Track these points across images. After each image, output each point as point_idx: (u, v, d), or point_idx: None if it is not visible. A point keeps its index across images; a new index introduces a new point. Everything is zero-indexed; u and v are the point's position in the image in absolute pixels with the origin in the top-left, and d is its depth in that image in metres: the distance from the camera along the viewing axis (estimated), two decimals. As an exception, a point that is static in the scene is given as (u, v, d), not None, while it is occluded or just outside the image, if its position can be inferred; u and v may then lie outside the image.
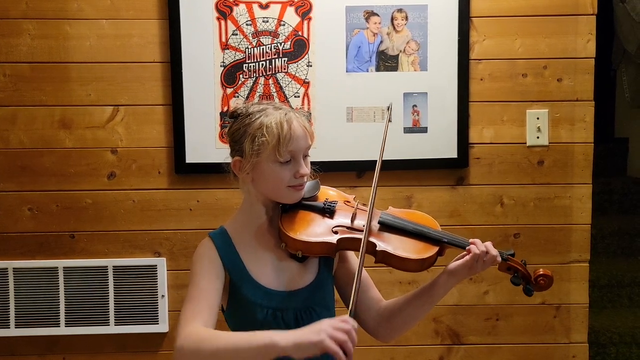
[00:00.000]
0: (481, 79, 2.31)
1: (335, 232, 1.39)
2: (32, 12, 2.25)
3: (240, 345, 1.18)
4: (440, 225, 1.48)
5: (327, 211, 1.43)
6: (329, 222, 1.41)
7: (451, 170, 2.34)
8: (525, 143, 2.34)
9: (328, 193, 1.50)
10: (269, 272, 1.39)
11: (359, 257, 1.31)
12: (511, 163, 2.34)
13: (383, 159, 1.48)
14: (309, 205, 1.44)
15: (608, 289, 3.08)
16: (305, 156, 1.41)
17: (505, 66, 2.31)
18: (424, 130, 2.31)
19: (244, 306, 1.34)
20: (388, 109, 1.60)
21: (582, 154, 2.34)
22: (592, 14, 2.30)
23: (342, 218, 1.42)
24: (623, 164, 4.01)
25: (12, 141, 2.29)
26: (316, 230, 1.39)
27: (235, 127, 1.40)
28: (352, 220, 1.42)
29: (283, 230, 1.38)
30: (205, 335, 1.22)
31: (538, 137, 2.33)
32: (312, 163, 1.47)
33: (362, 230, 1.36)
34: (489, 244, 1.40)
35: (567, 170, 2.34)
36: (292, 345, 1.13)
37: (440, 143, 2.31)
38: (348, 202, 1.49)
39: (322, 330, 1.13)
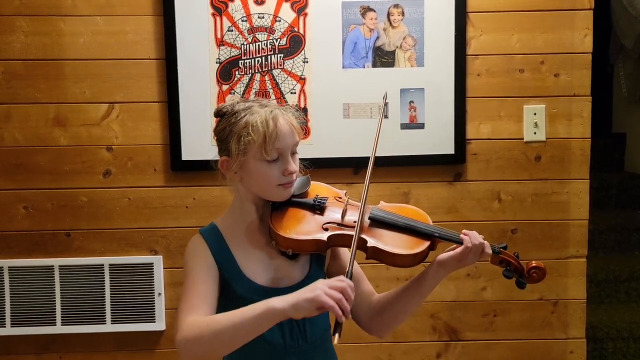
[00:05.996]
0: (478, 75, 2.30)
1: (326, 229, 1.37)
2: (26, 9, 2.24)
3: (239, 319, 1.20)
4: (438, 222, 1.47)
5: (317, 208, 1.41)
6: (319, 219, 1.39)
7: (448, 166, 2.33)
8: (523, 139, 2.33)
9: (319, 189, 1.48)
10: (260, 269, 1.38)
11: (351, 247, 1.30)
12: (508, 159, 2.34)
13: (379, 155, 1.46)
14: (299, 202, 1.41)
15: (605, 284, 3.08)
16: (294, 153, 1.39)
17: (502, 62, 2.30)
18: (421, 126, 2.30)
19: (235, 303, 1.34)
20: (384, 99, 1.57)
21: (579, 149, 2.33)
22: (589, 9, 2.29)
23: (332, 214, 1.40)
24: (620, 159, 4.01)
25: (7, 139, 2.28)
26: (306, 227, 1.37)
27: (221, 127, 1.38)
28: (343, 216, 1.39)
29: (273, 228, 1.36)
30: (203, 321, 1.24)
31: (535, 133, 2.32)
32: (309, 159, 1.46)
33: (353, 227, 1.34)
34: (479, 236, 1.39)
35: (565, 166, 2.34)
36: (289, 305, 1.16)
37: (437, 139, 2.30)
38: (339, 197, 1.47)
39: (317, 288, 1.16)
